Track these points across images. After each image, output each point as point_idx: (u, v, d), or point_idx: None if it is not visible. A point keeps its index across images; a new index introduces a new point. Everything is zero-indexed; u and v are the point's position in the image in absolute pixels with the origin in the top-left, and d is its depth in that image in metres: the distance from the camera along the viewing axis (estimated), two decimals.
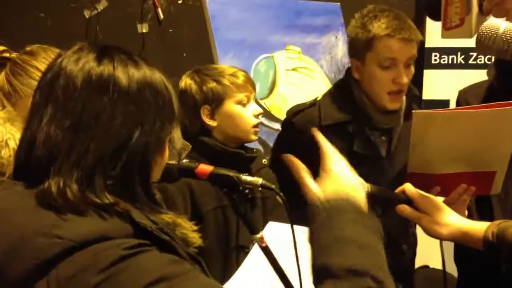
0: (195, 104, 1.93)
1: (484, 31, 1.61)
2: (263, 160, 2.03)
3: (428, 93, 3.20)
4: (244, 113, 1.94)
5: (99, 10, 2.38)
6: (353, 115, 2.02)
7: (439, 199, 1.57)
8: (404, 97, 2.07)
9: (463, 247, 1.51)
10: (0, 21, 2.21)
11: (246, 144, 1.99)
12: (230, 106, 1.93)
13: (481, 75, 2.07)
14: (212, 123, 1.93)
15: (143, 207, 0.95)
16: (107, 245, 0.84)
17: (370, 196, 1.39)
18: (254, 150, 2.01)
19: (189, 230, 1.00)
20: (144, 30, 2.48)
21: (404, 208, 1.47)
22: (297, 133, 2.04)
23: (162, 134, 0.99)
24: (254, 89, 2.01)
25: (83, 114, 0.92)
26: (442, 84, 3.11)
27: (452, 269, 2.19)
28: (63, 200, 0.87)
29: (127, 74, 0.95)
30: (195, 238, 1.00)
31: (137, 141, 0.94)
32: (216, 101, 1.92)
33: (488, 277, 1.92)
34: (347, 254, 0.94)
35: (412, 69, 2.01)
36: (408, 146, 2.06)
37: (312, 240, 0.99)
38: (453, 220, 1.44)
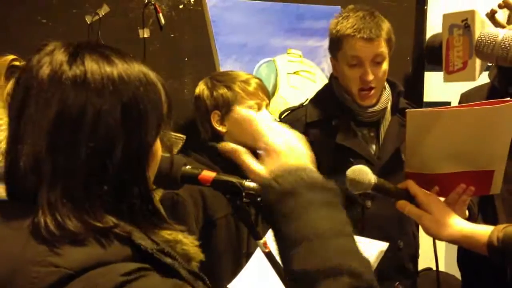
0: (206, 109, 1.97)
1: (483, 38, 1.61)
2: None
3: (429, 96, 3.20)
4: None
5: (101, 16, 2.38)
6: (337, 111, 2.09)
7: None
8: (389, 93, 2.12)
9: (467, 250, 1.50)
10: (2, 28, 2.21)
11: None
12: (239, 112, 1.94)
13: (482, 78, 2.07)
14: (221, 128, 1.95)
15: (143, 224, 0.90)
16: (104, 271, 0.79)
17: (374, 187, 1.39)
18: None
19: (191, 246, 0.97)
20: (145, 35, 2.49)
21: (405, 205, 1.46)
22: None
23: (148, 137, 0.91)
24: (267, 96, 2.03)
25: (59, 133, 0.85)
26: (443, 87, 3.11)
27: (457, 272, 2.19)
28: (62, 232, 0.81)
29: (100, 77, 0.87)
30: (197, 253, 0.97)
31: (122, 149, 0.87)
32: (225, 106, 1.94)
33: (492, 281, 1.92)
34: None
35: (384, 65, 2.05)
36: (396, 141, 2.09)
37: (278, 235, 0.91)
38: (455, 222, 1.42)
